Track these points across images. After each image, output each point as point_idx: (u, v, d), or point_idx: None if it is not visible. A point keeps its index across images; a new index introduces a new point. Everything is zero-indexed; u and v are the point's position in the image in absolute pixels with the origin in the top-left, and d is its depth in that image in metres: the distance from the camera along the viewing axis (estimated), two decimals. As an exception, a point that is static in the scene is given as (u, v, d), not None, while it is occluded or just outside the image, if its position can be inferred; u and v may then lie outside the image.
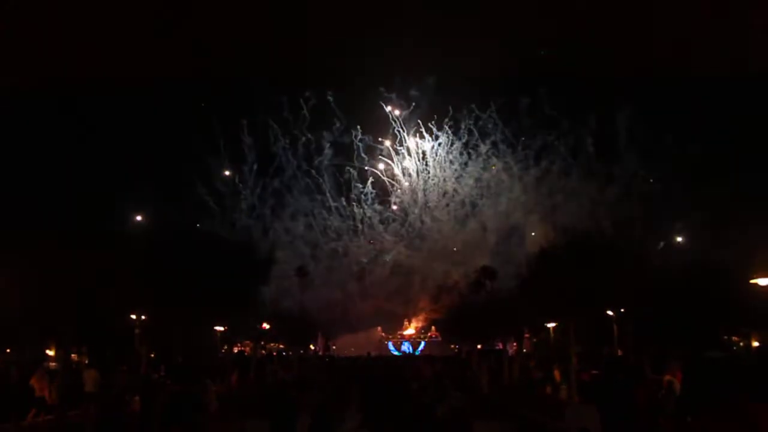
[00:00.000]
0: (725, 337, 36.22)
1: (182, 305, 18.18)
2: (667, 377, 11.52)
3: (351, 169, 70.52)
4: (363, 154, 70.82)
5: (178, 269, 19.40)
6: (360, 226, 71.17)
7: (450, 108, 65.16)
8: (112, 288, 16.86)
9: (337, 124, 68.79)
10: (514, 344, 32.58)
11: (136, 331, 19.06)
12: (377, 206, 70.97)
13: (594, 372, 17.44)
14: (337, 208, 70.63)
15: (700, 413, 5.89)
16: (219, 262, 20.61)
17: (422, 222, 70.04)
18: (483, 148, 67.29)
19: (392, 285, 70.33)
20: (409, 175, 70.38)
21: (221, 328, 25.53)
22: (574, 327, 15.09)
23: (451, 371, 23.43)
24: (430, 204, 69.52)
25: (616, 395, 9.32)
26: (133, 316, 19.11)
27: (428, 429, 8.63)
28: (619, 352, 40.50)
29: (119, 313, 17.95)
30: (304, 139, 69.08)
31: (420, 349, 73.18)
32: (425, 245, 69.69)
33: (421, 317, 69.87)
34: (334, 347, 65.35)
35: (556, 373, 20.71)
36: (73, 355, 42.74)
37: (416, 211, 69.94)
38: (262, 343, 39.80)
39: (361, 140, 69.69)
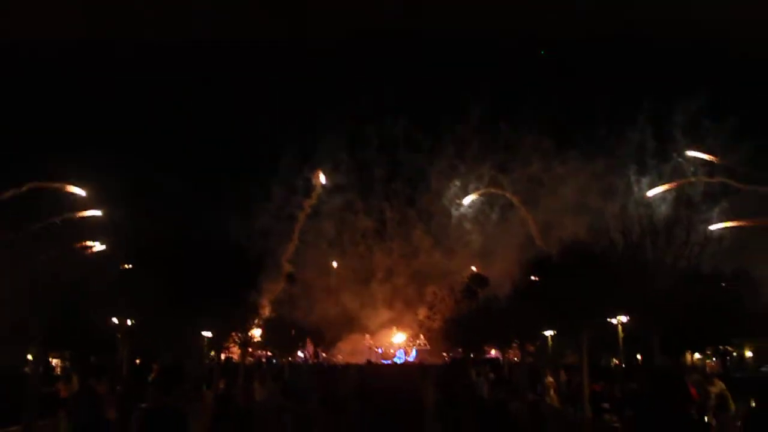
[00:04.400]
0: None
1: (169, 308, 17.31)
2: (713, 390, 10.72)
3: (384, 163, 66.55)
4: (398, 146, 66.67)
5: (165, 271, 18.50)
6: (387, 226, 68.12)
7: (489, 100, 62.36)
8: (92, 289, 15.92)
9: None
10: (510, 353, 31.80)
11: (118, 335, 18.10)
12: (407, 207, 67.57)
13: (602, 383, 16.67)
14: (365, 207, 67.49)
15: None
16: (209, 265, 19.75)
17: (453, 222, 66.05)
18: (526, 143, 62.73)
19: (408, 293, 67.85)
20: (444, 172, 66.21)
21: (209, 334, 24.70)
22: (587, 335, 14.37)
23: (447, 380, 22.59)
24: (465, 203, 65.42)
25: (669, 414, 8.23)
26: (115, 320, 18.14)
27: (503, 425, 8.14)
28: (615, 362, 40.01)
29: (100, 316, 17.01)
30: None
31: (412, 357, 71.52)
32: (454, 248, 66.22)
33: (414, 324, 68.23)
34: (323, 355, 64.24)
35: (550, 382, 19.80)
36: (55, 360, 41.63)
37: (451, 210, 65.91)
38: (250, 350, 38.85)
39: (397, 129, 65.54)
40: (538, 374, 22.54)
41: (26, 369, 29.45)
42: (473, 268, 58.79)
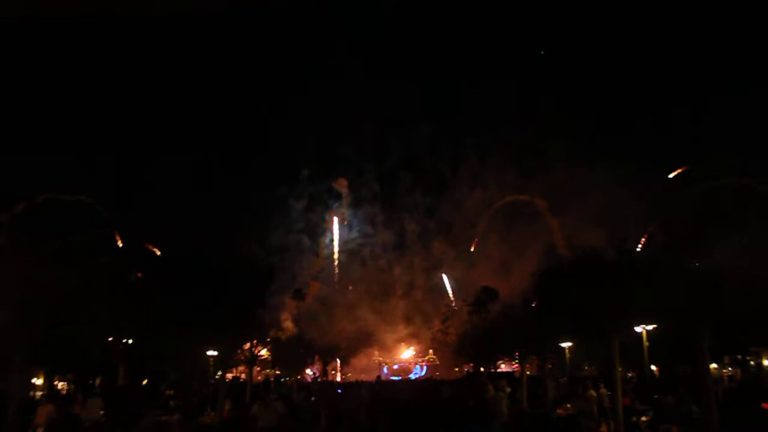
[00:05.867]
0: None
1: (171, 328, 16.49)
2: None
3: (404, 174, 64.80)
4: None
5: (168, 289, 17.73)
6: (407, 238, 66.35)
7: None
8: (91, 309, 15.14)
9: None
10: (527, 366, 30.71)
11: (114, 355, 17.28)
12: (427, 218, 65.73)
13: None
14: (384, 220, 65.84)
15: None
16: (213, 281, 18.95)
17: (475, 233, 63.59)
18: (551, 149, 60.20)
19: (426, 307, 65.97)
20: (466, 181, 64.05)
21: (214, 353, 23.85)
22: (617, 346, 13.45)
23: (464, 395, 21.68)
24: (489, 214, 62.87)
25: None
26: (110, 339, 17.33)
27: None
28: (630, 374, 38.86)
29: (96, 334, 16.19)
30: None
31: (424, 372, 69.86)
32: (476, 260, 63.70)
33: (428, 339, 66.72)
34: (333, 372, 63.10)
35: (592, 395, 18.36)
36: (61, 383, 40.73)
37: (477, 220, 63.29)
38: (258, 368, 37.82)
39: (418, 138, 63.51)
40: (564, 386, 21.47)
41: (34, 393, 28.59)
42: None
